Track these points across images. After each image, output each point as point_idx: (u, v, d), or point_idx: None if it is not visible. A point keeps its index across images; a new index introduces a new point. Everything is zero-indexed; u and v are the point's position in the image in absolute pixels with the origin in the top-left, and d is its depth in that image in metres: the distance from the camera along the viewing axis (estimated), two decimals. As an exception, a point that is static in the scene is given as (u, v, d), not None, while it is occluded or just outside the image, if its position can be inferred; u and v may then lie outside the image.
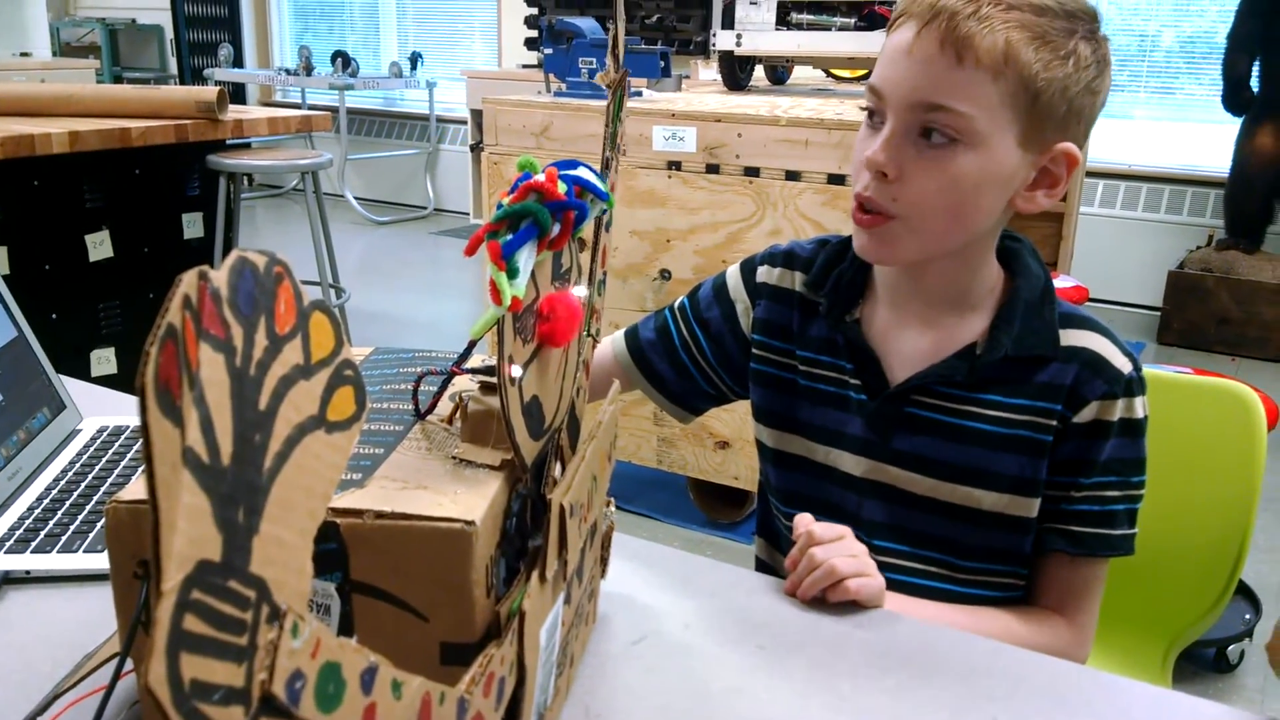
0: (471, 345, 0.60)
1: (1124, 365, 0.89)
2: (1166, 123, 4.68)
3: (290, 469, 0.33)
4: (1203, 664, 2.03)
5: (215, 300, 0.30)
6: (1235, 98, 4.05)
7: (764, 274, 1.02)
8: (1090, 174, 4.20)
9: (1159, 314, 4.18)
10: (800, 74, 3.38)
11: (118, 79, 6.78)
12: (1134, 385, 0.89)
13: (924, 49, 0.81)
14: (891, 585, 0.89)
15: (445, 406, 0.63)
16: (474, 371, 0.63)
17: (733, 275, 1.05)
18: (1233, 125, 4.12)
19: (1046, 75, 0.81)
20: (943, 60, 0.81)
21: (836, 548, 0.82)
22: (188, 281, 0.29)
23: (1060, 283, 3.34)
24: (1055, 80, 0.81)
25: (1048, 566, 0.93)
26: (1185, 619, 1.18)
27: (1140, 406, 0.89)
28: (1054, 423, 0.88)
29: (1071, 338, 0.89)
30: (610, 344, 1.08)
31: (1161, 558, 1.13)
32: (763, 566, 1.10)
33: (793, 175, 2.19)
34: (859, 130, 0.89)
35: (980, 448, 0.89)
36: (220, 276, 0.30)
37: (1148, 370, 0.97)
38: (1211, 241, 4.25)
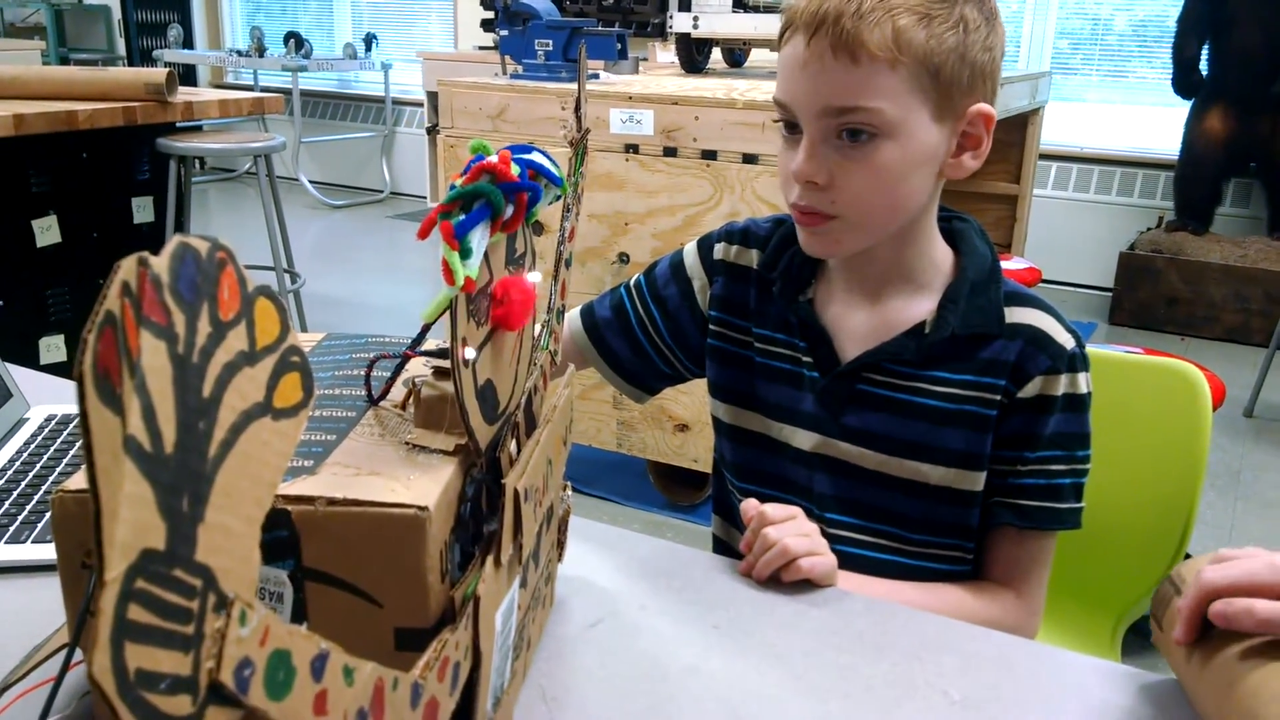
0: (426, 329, 0.60)
1: (1067, 341, 0.90)
2: (1118, 105, 4.74)
3: (236, 456, 0.33)
4: (1150, 637, 2.06)
5: (156, 286, 0.30)
6: (1185, 81, 4.11)
7: (721, 251, 1.03)
8: (1043, 156, 4.25)
9: (1110, 294, 4.24)
10: (757, 56, 3.38)
11: (64, 60, 6.63)
12: (1077, 361, 0.91)
13: (818, 58, 0.83)
14: (843, 558, 0.90)
15: (399, 392, 0.62)
16: (428, 354, 0.63)
17: (690, 253, 1.05)
18: (1183, 108, 4.19)
19: (941, 49, 0.82)
20: (838, 65, 0.82)
21: (788, 527, 0.83)
22: (126, 268, 0.28)
23: (1013, 264, 3.38)
24: (950, 51, 0.83)
25: (995, 540, 0.95)
26: (1133, 593, 1.20)
27: (1084, 382, 0.91)
28: (998, 398, 0.90)
29: (1016, 315, 0.91)
30: (566, 322, 1.08)
31: (1110, 533, 1.15)
32: (720, 544, 1.10)
33: (750, 158, 2.19)
34: (779, 143, 0.91)
35: (927, 423, 0.91)
36: (161, 263, 0.30)
37: (1097, 350, 0.99)
38: (1161, 223, 4.32)
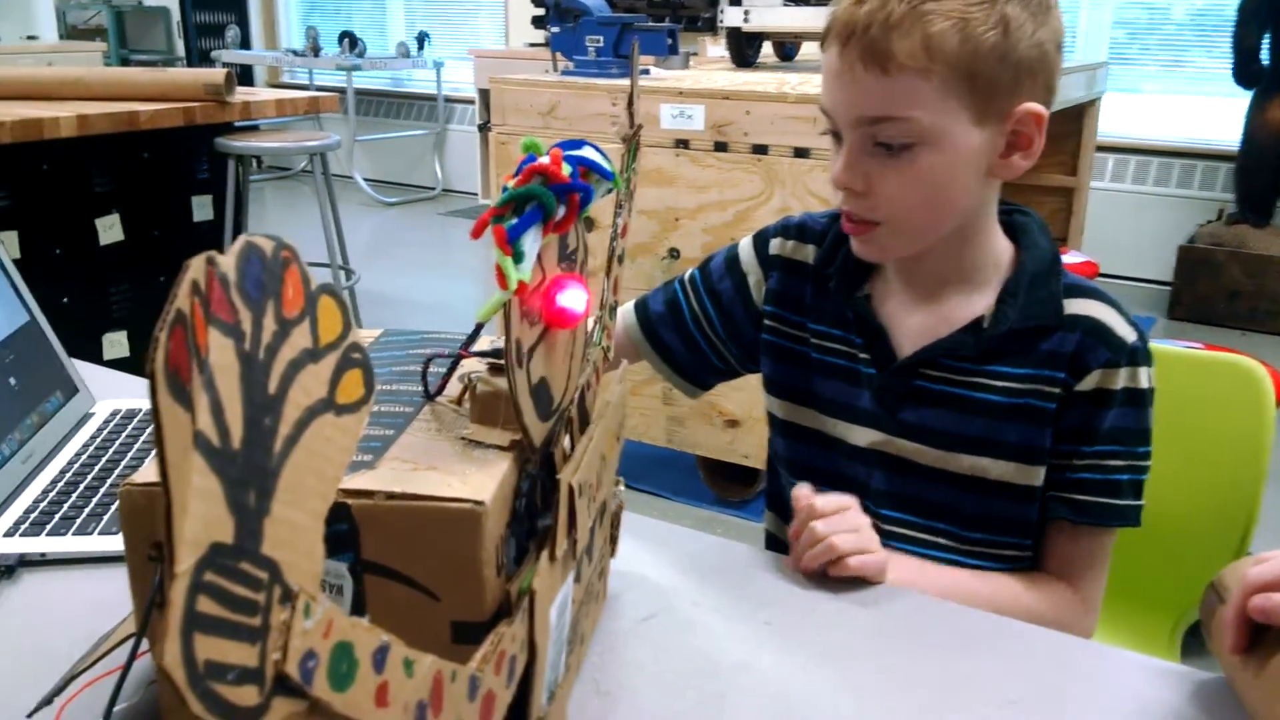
0: (479, 328, 0.61)
1: (1128, 335, 0.89)
2: (1177, 96, 4.64)
3: (300, 452, 0.33)
4: (1212, 638, 2.02)
5: (223, 285, 0.30)
6: (1245, 70, 4.01)
7: (777, 246, 1.03)
8: (1100, 148, 4.17)
9: (1169, 289, 4.16)
10: (809, 50, 3.36)
11: (125, 61, 6.77)
12: (1138, 355, 0.89)
13: (850, 68, 0.82)
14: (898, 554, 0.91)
15: (454, 388, 0.63)
16: (482, 354, 0.64)
17: (745, 247, 1.05)
18: (1243, 98, 4.08)
19: (979, 54, 0.80)
20: (869, 76, 0.82)
21: (837, 521, 0.83)
22: (195, 267, 0.29)
23: (1070, 258, 3.33)
24: (989, 54, 0.81)
25: (1052, 535, 0.93)
26: (1193, 593, 1.17)
27: (1145, 377, 0.89)
28: (1057, 390, 0.89)
29: (1076, 306, 0.90)
30: (620, 316, 1.09)
31: (1170, 532, 1.13)
32: (773, 541, 1.10)
33: (801, 152, 2.18)
34: (830, 147, 0.91)
35: (986, 418, 0.90)
36: (228, 262, 0.31)
37: (1158, 346, 0.97)
38: (1222, 216, 4.22)
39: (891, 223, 0.87)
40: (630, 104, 0.69)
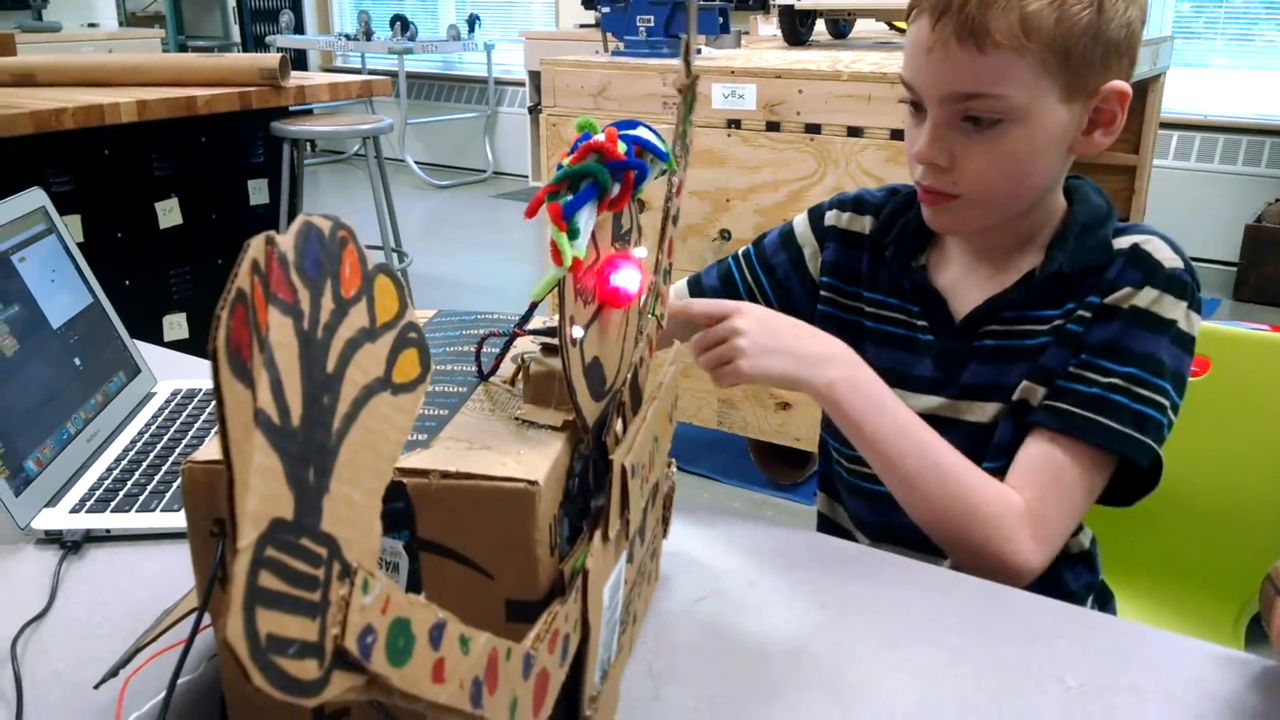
0: (533, 307, 0.60)
1: (1166, 260, 0.86)
2: (1244, 70, 4.51)
3: (358, 430, 0.33)
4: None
5: (282, 264, 0.30)
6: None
7: (832, 218, 1.03)
8: (1164, 125, 4.07)
9: (1235, 269, 4.06)
10: (862, 27, 3.32)
11: (182, 47, 6.87)
12: (1172, 282, 0.85)
13: (942, 44, 0.81)
14: None
15: (508, 368, 0.63)
16: (535, 333, 0.64)
17: (800, 222, 1.06)
18: (1315, 72, 3.97)
19: (1073, 32, 0.80)
20: (963, 52, 0.80)
21: (704, 338, 0.88)
22: (255, 247, 0.29)
23: (1131, 238, 3.26)
24: (1083, 33, 0.80)
25: (1026, 443, 0.87)
26: (1258, 580, 1.15)
27: (1171, 305, 0.85)
28: (1089, 314, 0.87)
29: (1123, 240, 0.88)
30: (673, 292, 1.08)
31: (1234, 517, 1.11)
32: (825, 523, 1.09)
33: (855, 131, 2.16)
34: (905, 119, 0.89)
35: (1035, 362, 0.89)
36: (287, 241, 0.31)
37: (1221, 327, 0.95)
38: (1291, 193, 4.11)
39: (971, 197, 0.86)
40: (687, 54, 0.67)
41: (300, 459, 0.30)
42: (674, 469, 0.78)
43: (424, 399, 0.59)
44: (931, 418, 0.93)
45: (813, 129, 2.20)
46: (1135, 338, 0.85)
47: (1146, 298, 0.85)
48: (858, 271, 1.00)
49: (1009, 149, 0.83)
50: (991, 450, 0.91)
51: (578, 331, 0.53)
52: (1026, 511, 0.83)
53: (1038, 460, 0.85)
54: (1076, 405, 0.84)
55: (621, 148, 0.56)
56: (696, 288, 1.07)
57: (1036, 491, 0.84)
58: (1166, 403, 0.84)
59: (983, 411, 0.92)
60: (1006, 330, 0.91)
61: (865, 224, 1.00)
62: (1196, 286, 0.87)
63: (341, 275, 0.33)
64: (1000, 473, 0.88)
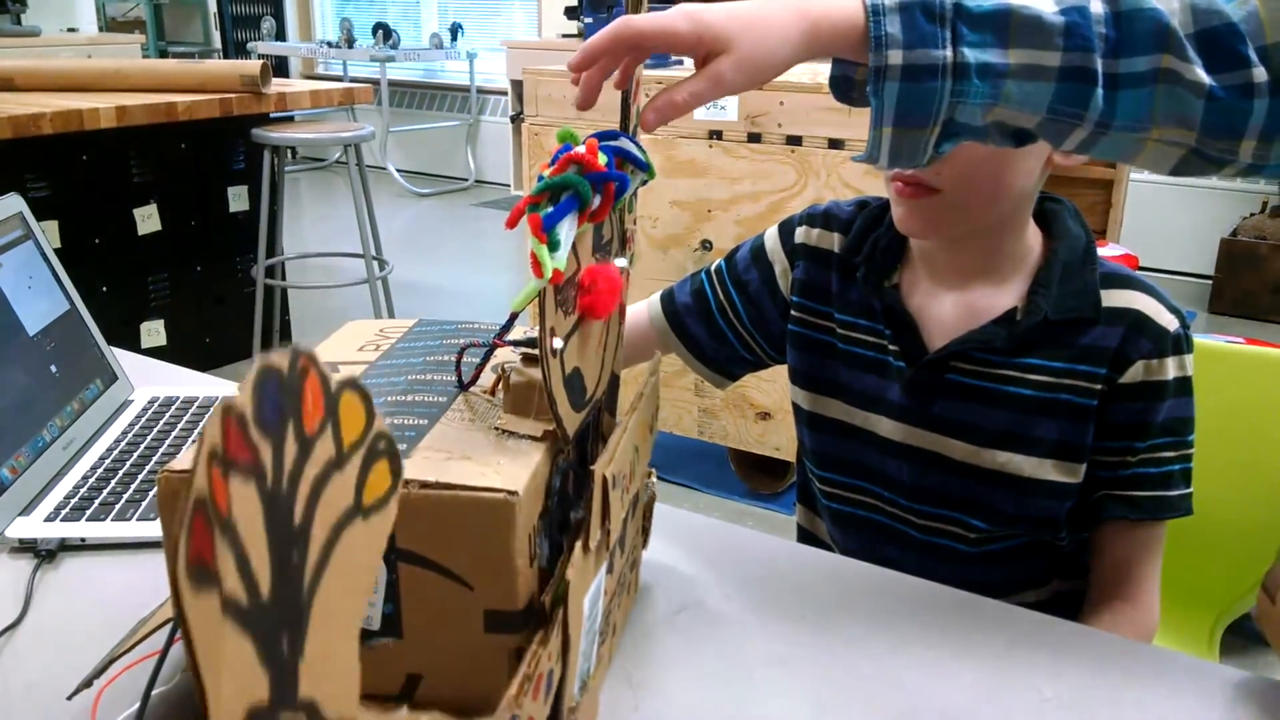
0: (513, 317, 0.61)
1: (1170, 323, 0.87)
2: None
3: (330, 575, 0.33)
4: (1251, 637, 2.00)
5: (240, 424, 0.29)
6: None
7: (802, 234, 1.01)
8: (1140, 140, 4.10)
9: (1210, 282, 4.10)
10: (843, 40, 3.33)
11: (163, 53, 6.84)
12: (1182, 343, 0.88)
13: None
14: (929, 549, 0.92)
15: (488, 378, 0.63)
16: (516, 344, 0.64)
17: (770, 237, 1.04)
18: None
19: None
20: None
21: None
22: (210, 432, 0.28)
23: (1109, 250, 3.29)
24: None
25: (1106, 536, 0.92)
26: (1234, 592, 1.17)
27: (1189, 364, 0.89)
28: (1099, 386, 0.87)
29: (1115, 298, 0.88)
30: (646, 307, 1.08)
31: (1211, 529, 1.11)
32: (805, 534, 1.10)
33: (836, 144, 2.17)
34: None
35: (1019, 412, 0.89)
36: (244, 396, 0.30)
37: (1199, 341, 0.96)
38: (1266, 208, 4.15)
39: (951, 194, 0.85)
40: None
41: (272, 634, 0.30)
42: (654, 479, 0.78)
43: (403, 409, 0.59)
44: (905, 447, 0.94)
45: (794, 140, 2.21)
46: (1181, 407, 0.89)
47: (1175, 367, 0.87)
48: (827, 291, 0.98)
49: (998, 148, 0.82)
50: (977, 508, 0.92)
51: (558, 343, 0.53)
52: (1133, 609, 0.90)
53: (1129, 553, 0.91)
54: (1146, 489, 0.89)
55: (602, 159, 0.56)
56: (669, 303, 1.07)
57: (1135, 582, 0.91)
58: (1195, 446, 0.90)
59: (950, 448, 0.92)
60: (983, 372, 0.90)
61: (834, 241, 0.99)
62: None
63: (304, 410, 0.32)
64: (985, 532, 0.92)
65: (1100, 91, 0.65)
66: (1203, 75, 0.64)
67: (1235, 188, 4.40)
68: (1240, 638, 2.06)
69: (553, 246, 0.50)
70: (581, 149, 0.56)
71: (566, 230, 0.52)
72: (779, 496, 2.53)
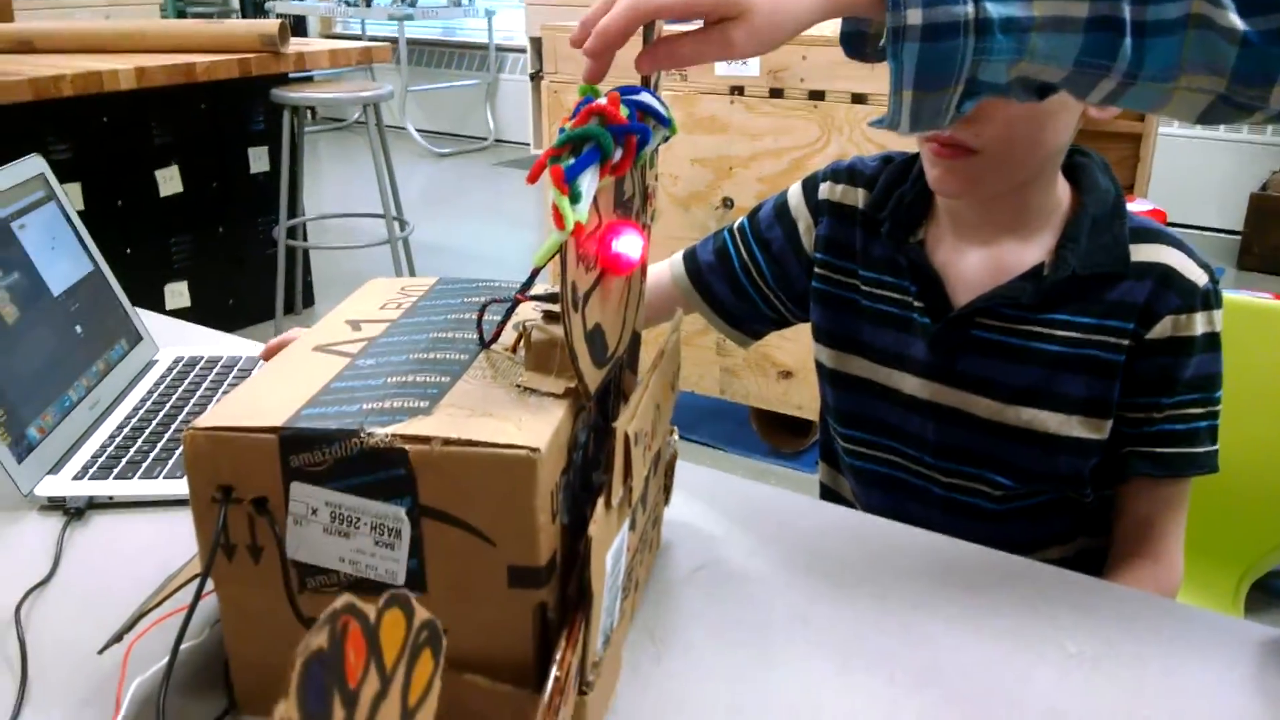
0: (535, 273, 0.60)
1: (1199, 278, 0.86)
2: (1252, 37, 4.47)
3: None
4: (1276, 594, 1.99)
5: None
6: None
7: (826, 190, 1.00)
8: (1169, 93, 4.03)
9: (1239, 238, 4.05)
10: (866, -6, 3.28)
11: (181, 14, 6.81)
12: (1211, 298, 0.86)
13: None
14: (953, 505, 0.91)
15: (509, 335, 0.63)
16: (538, 299, 0.63)
17: (794, 194, 1.03)
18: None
19: None
20: None
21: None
22: None
23: (1137, 206, 3.24)
24: None
25: (1131, 492, 0.91)
26: (1260, 548, 1.16)
27: (1219, 320, 0.87)
28: (1126, 342, 0.86)
29: (1144, 253, 0.87)
30: (669, 266, 1.08)
31: (1237, 486, 1.11)
32: (827, 492, 1.10)
33: (859, 98, 2.14)
34: None
35: (1045, 368, 0.88)
36: (290, 702, 0.29)
37: (1227, 296, 0.94)
38: (1297, 162, 4.09)
39: (989, 154, 0.83)
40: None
41: None
42: (676, 437, 0.78)
43: (426, 366, 0.59)
44: (929, 404, 0.93)
45: (816, 95, 2.19)
46: (1208, 364, 0.87)
47: (1203, 323, 0.86)
48: (851, 247, 0.98)
49: (1036, 105, 0.78)
50: (1001, 465, 0.92)
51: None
52: (1158, 567, 0.90)
53: (1153, 509, 0.90)
54: (1172, 446, 0.88)
55: (624, 111, 0.55)
56: (692, 261, 1.06)
57: (1158, 539, 0.90)
58: (1221, 403, 0.89)
59: (975, 404, 0.91)
60: (1009, 328, 0.89)
61: (859, 197, 0.98)
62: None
63: (347, 669, 0.32)
64: (1009, 489, 0.91)
65: (1129, 41, 0.63)
66: (1236, 20, 0.62)
67: (1265, 141, 4.32)
68: (1266, 594, 2.06)
69: (574, 198, 0.50)
70: (603, 101, 0.55)
71: (588, 182, 0.51)
72: (801, 455, 2.53)
